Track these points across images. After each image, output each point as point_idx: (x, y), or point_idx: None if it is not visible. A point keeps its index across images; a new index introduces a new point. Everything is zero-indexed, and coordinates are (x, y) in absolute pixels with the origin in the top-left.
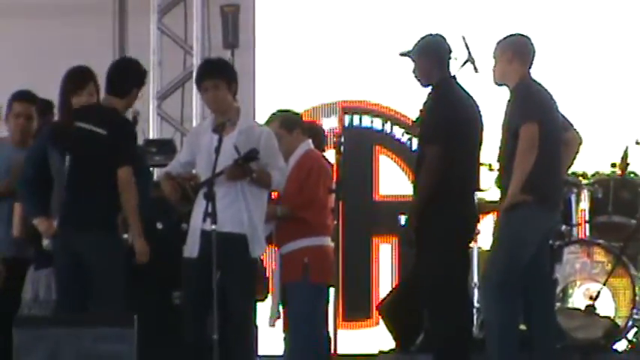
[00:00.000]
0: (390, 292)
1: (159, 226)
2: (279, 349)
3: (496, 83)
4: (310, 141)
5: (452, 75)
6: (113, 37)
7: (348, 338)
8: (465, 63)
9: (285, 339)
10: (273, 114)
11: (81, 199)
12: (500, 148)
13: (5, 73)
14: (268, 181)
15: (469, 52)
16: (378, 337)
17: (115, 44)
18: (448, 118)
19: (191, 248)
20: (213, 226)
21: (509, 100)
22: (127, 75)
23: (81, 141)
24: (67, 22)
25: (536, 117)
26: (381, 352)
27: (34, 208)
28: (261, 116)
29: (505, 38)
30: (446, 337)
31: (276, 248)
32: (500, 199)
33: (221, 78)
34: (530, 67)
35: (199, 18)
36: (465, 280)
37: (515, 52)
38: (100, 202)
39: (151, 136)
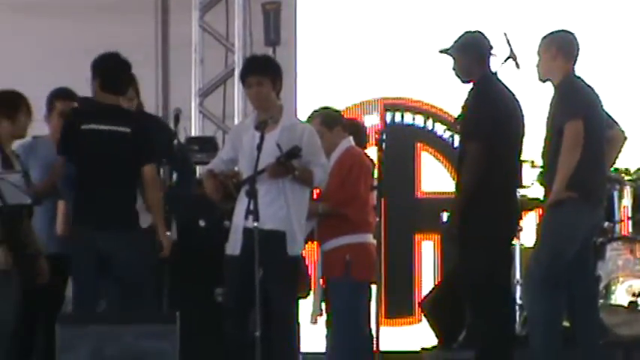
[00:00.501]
0: (433, 289)
1: (201, 223)
2: (321, 346)
3: (540, 80)
4: (351, 138)
5: (493, 71)
6: (155, 34)
7: (391, 335)
8: (506, 59)
9: (327, 336)
10: (315, 111)
11: (106, 198)
12: (544, 144)
13: (47, 72)
14: (310, 179)
15: (511, 49)
16: (420, 334)
17: (158, 42)
18: (489, 115)
19: (233, 246)
20: (255, 224)
21: (553, 97)
22: (127, 74)
23: (106, 141)
24: (109, 19)
25: (580, 114)
26: (423, 350)
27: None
28: (303, 113)
29: (549, 34)
30: (488, 333)
31: (318, 245)
32: (544, 195)
33: (265, 75)
34: (574, 64)
35: (241, 15)
36: (507, 277)
37: (560, 49)
38: (126, 201)
39: (192, 134)
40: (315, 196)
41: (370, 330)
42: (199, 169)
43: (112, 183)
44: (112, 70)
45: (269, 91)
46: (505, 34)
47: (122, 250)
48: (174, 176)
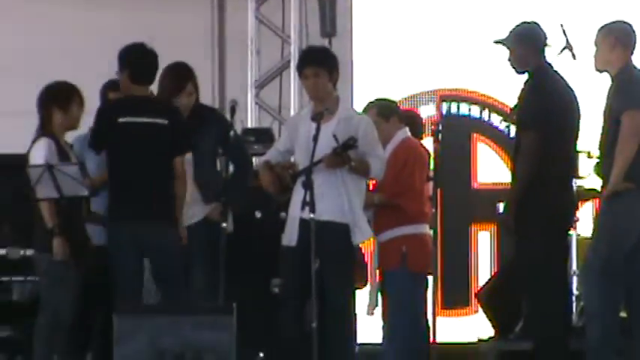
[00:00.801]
0: (489, 279)
1: (257, 215)
2: (377, 337)
3: (597, 70)
4: (407, 129)
5: (548, 62)
6: (212, 26)
7: (447, 326)
8: (562, 50)
9: (383, 327)
10: (370, 102)
11: (146, 190)
12: (601, 135)
13: (102, 63)
14: (367, 170)
15: (567, 40)
16: (477, 325)
17: (214, 33)
18: (545, 105)
19: (289, 236)
20: (312, 215)
21: (610, 87)
22: (156, 64)
23: (144, 133)
24: (166, 10)
25: (638, 104)
26: (480, 340)
27: None
28: (359, 104)
29: (607, 25)
30: (545, 324)
31: (374, 236)
32: (601, 186)
33: (322, 66)
34: (632, 54)
35: (297, 7)
36: (563, 268)
37: (618, 39)
38: (165, 192)
39: (249, 125)
40: (371, 187)
41: (427, 321)
42: (255, 161)
43: (151, 175)
44: (141, 61)
45: (325, 83)
46: (561, 25)
47: (161, 241)
48: (231, 168)
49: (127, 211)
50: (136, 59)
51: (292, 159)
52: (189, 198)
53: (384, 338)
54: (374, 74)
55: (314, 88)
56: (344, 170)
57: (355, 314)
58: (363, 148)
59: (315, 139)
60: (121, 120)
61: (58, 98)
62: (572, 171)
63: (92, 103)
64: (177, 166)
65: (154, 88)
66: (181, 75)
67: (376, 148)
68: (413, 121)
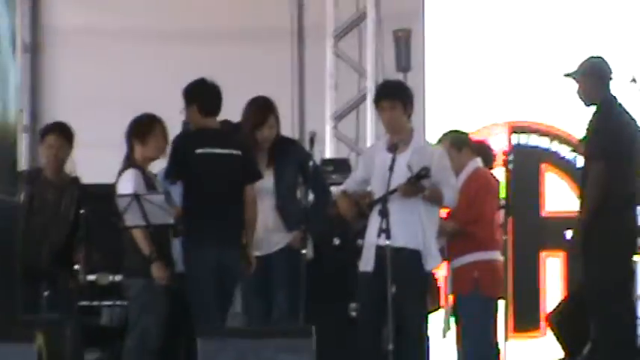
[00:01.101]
0: (559, 303)
1: (336, 241)
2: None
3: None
4: (479, 159)
5: (613, 95)
6: (291, 61)
7: (518, 349)
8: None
9: (457, 350)
10: (444, 134)
11: (227, 218)
12: None
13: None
14: (440, 198)
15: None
16: (546, 347)
17: (294, 68)
18: (612, 136)
19: (366, 262)
20: (388, 242)
21: None
22: (220, 96)
23: (221, 163)
24: (249, 47)
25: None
26: None
27: None
28: (432, 136)
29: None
30: (612, 347)
31: (447, 262)
32: None
33: (398, 99)
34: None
35: (373, 42)
36: (630, 292)
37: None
38: (239, 220)
39: (327, 156)
40: (445, 215)
41: (497, 344)
42: (333, 190)
43: (227, 202)
44: (208, 94)
45: (400, 115)
46: (633, 79)
47: (235, 266)
48: (311, 197)
49: (209, 238)
50: (203, 92)
51: (368, 188)
52: (271, 225)
53: None
54: (446, 106)
55: (390, 120)
56: (418, 199)
57: (428, 337)
58: (436, 177)
59: (391, 168)
60: (198, 151)
61: (136, 132)
62: (637, 198)
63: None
64: (249, 194)
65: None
66: (264, 108)
67: (449, 178)
68: (484, 152)
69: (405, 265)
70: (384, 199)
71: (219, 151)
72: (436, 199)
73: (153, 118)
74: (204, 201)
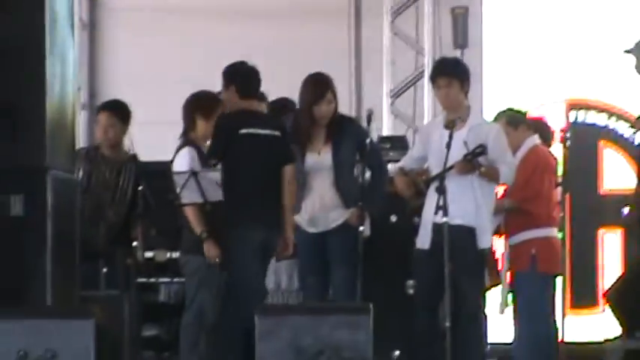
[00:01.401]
0: (617, 279)
1: (393, 219)
2: (508, 337)
3: None
4: (536, 136)
5: None
6: (348, 39)
7: (575, 326)
8: None
9: (514, 327)
10: (501, 112)
11: (269, 199)
12: None
13: None
14: (496, 176)
15: None
16: (604, 324)
17: (351, 46)
18: None
19: (423, 240)
20: (445, 219)
21: None
22: (259, 78)
23: (263, 144)
24: (307, 25)
25: None
26: (607, 340)
27: None
28: (489, 113)
29: None
30: None
31: (505, 239)
32: None
33: (454, 77)
34: None
35: (430, 19)
36: None
37: None
38: (279, 200)
39: (384, 133)
40: (501, 193)
41: (555, 321)
42: (391, 167)
43: (269, 183)
44: (247, 76)
45: (457, 92)
46: None
47: (275, 247)
48: (368, 174)
49: (254, 217)
50: (243, 75)
51: (425, 166)
52: (329, 203)
53: (514, 338)
54: (503, 84)
55: (446, 97)
56: (474, 176)
57: (486, 314)
58: (492, 155)
59: (448, 146)
60: (243, 131)
61: (201, 107)
62: None
63: None
64: (288, 174)
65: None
66: (321, 84)
67: (506, 155)
68: (542, 129)
69: (461, 242)
70: (441, 177)
71: (262, 132)
72: (492, 176)
73: (215, 96)
74: (247, 181)
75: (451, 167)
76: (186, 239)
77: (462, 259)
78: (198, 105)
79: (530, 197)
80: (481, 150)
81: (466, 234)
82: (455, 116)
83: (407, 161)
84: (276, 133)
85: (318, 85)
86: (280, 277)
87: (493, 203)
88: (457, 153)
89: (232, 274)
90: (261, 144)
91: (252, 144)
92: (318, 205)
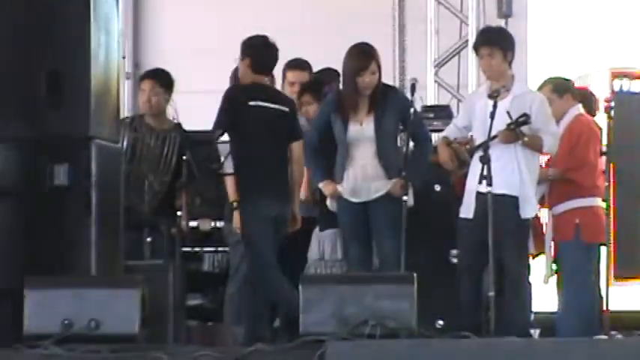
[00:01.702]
0: None
1: (437, 188)
2: (552, 305)
3: None
4: (580, 105)
5: None
6: (392, 7)
7: (620, 295)
8: None
9: (558, 296)
10: (546, 80)
11: (278, 172)
12: None
13: (288, 41)
14: (540, 145)
15: None
16: None
17: (395, 15)
18: None
19: (467, 209)
20: (489, 188)
21: None
22: (276, 55)
23: (271, 118)
24: None
25: None
26: None
27: (319, 172)
28: (534, 83)
29: None
30: None
31: (549, 209)
32: None
33: (496, 46)
34: None
35: None
36: None
37: None
38: (287, 174)
39: (428, 103)
40: (545, 162)
41: (600, 290)
42: (435, 137)
43: (277, 157)
44: (263, 52)
45: (500, 62)
46: None
47: (286, 219)
48: (411, 145)
49: (266, 190)
50: (259, 50)
51: (469, 135)
52: (371, 173)
53: (558, 307)
54: (548, 53)
55: (488, 67)
56: (518, 145)
57: (530, 283)
58: (536, 124)
59: (492, 115)
60: (251, 103)
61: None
62: None
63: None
64: (296, 151)
65: None
66: (365, 54)
67: (549, 124)
68: (586, 99)
69: (504, 211)
70: (485, 146)
71: (271, 106)
72: (536, 146)
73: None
74: (257, 154)
75: (495, 137)
76: (228, 208)
77: (505, 228)
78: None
79: (575, 166)
80: (524, 119)
81: (510, 203)
82: (498, 85)
83: (451, 130)
84: (285, 108)
85: (362, 56)
86: (324, 247)
87: (537, 173)
88: (501, 122)
89: (247, 249)
90: (269, 118)
91: (260, 117)
92: (361, 175)
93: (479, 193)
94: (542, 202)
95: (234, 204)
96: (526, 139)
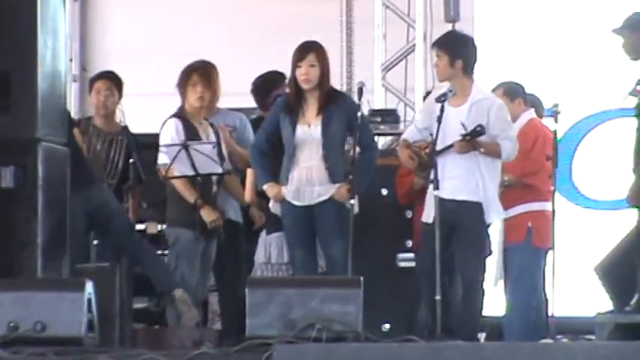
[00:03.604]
0: (608, 253)
1: (384, 192)
2: (500, 309)
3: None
4: (533, 110)
5: None
6: (340, 12)
7: (566, 300)
8: None
9: (506, 299)
10: (500, 83)
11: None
12: None
13: (236, 49)
14: (498, 152)
15: None
16: (594, 298)
17: (342, 19)
18: None
19: (428, 213)
20: (436, 192)
21: None
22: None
23: None
24: None
25: None
26: (598, 314)
27: (264, 174)
28: (480, 87)
29: None
30: None
31: None
32: None
33: (443, 49)
34: None
35: None
36: None
37: None
38: None
39: (375, 107)
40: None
41: (546, 295)
42: (382, 140)
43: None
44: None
45: (445, 65)
46: None
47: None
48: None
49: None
50: None
51: (430, 136)
52: (316, 176)
53: (505, 311)
54: (494, 58)
55: (436, 69)
56: (477, 153)
57: (484, 290)
58: (494, 130)
59: (439, 119)
60: None
61: (187, 78)
62: None
63: (227, 85)
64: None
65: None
66: (304, 47)
67: (508, 130)
68: (534, 104)
69: (466, 217)
70: (435, 152)
71: None
72: (493, 153)
73: (205, 64)
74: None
75: (450, 146)
76: (170, 211)
77: (465, 234)
78: (184, 77)
79: (533, 171)
80: (479, 130)
81: (474, 209)
82: (447, 90)
83: (411, 132)
84: None
85: (301, 48)
86: (270, 250)
87: (499, 177)
88: (456, 128)
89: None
90: None
91: None
92: (305, 178)
93: (438, 199)
94: None
95: (199, 201)
96: (482, 149)
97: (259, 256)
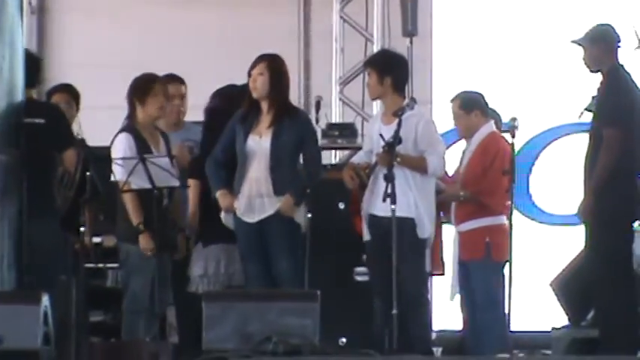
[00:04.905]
0: (563, 269)
1: (341, 206)
2: (456, 324)
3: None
4: (493, 122)
5: (620, 63)
6: (298, 25)
7: (522, 315)
8: (637, 48)
9: (464, 315)
10: (457, 94)
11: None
12: None
13: (197, 60)
14: (422, 166)
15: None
16: (550, 313)
17: (300, 33)
18: (623, 103)
19: (365, 232)
20: (393, 206)
21: None
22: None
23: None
24: (255, 10)
25: None
26: (554, 329)
27: (217, 182)
28: (438, 103)
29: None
30: (613, 313)
31: (455, 225)
32: None
33: (372, 67)
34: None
35: (380, 7)
36: (631, 258)
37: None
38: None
39: (333, 120)
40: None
41: (504, 309)
42: (339, 154)
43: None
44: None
45: (374, 82)
46: (634, 27)
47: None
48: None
49: None
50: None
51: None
52: (264, 189)
53: (466, 326)
54: (453, 73)
55: (367, 88)
56: (405, 168)
57: (429, 301)
58: (421, 146)
59: (382, 137)
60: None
61: (136, 91)
62: (638, 166)
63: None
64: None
65: None
66: (258, 57)
67: (435, 145)
68: (494, 118)
69: (401, 232)
70: (371, 172)
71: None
72: (416, 167)
73: (152, 77)
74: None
75: (377, 163)
76: (120, 226)
77: (402, 249)
78: (133, 90)
79: (489, 191)
80: (394, 140)
81: (406, 224)
82: (381, 108)
83: (359, 155)
84: (40, 120)
85: (255, 60)
86: (207, 263)
87: (432, 193)
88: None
89: None
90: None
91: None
92: (255, 190)
93: (371, 216)
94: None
95: (140, 227)
96: (399, 159)
97: (196, 269)
